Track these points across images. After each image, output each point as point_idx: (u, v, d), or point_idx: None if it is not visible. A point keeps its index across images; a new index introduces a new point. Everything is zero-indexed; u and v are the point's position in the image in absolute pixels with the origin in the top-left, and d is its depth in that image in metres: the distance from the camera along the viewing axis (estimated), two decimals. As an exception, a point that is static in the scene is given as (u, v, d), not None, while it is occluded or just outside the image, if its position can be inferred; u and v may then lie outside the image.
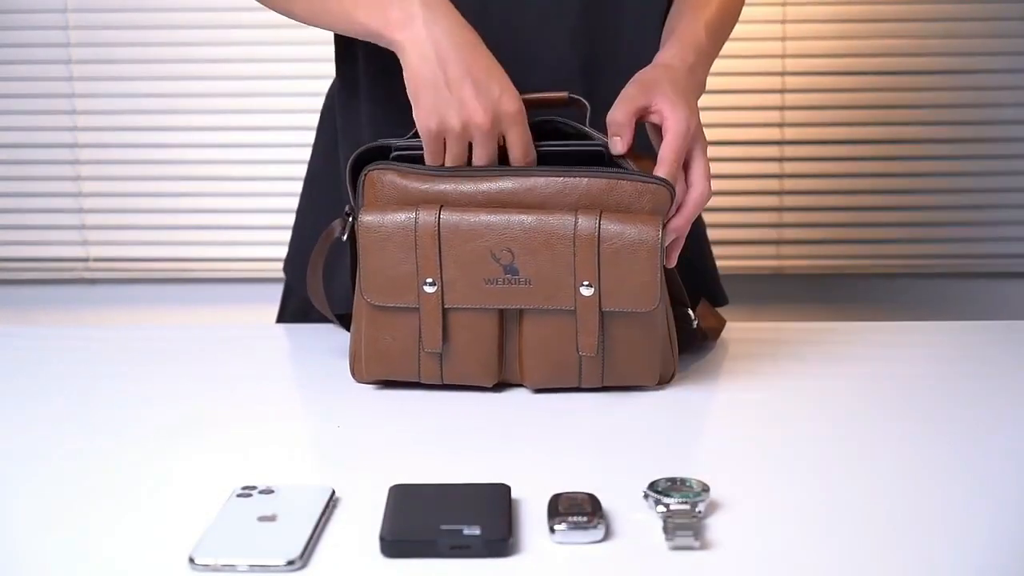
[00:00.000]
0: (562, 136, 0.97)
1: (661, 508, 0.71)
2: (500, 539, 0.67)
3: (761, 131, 2.19)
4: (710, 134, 1.00)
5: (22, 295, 2.30)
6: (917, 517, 0.72)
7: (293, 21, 1.06)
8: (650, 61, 1.03)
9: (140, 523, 0.72)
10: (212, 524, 0.69)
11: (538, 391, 0.96)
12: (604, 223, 0.90)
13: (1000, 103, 2.16)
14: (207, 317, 2.26)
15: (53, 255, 2.28)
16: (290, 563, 0.65)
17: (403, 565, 0.66)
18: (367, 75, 1.11)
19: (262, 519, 0.70)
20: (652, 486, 0.73)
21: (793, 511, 0.73)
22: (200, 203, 2.24)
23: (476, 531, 0.67)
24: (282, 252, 1.32)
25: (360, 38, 0.99)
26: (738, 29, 1.16)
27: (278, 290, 1.34)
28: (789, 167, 2.20)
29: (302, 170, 1.29)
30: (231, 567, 0.65)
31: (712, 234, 1.29)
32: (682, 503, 0.71)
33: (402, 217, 0.91)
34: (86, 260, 2.28)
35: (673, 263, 0.97)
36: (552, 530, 0.68)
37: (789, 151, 2.20)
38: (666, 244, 0.93)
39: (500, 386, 0.97)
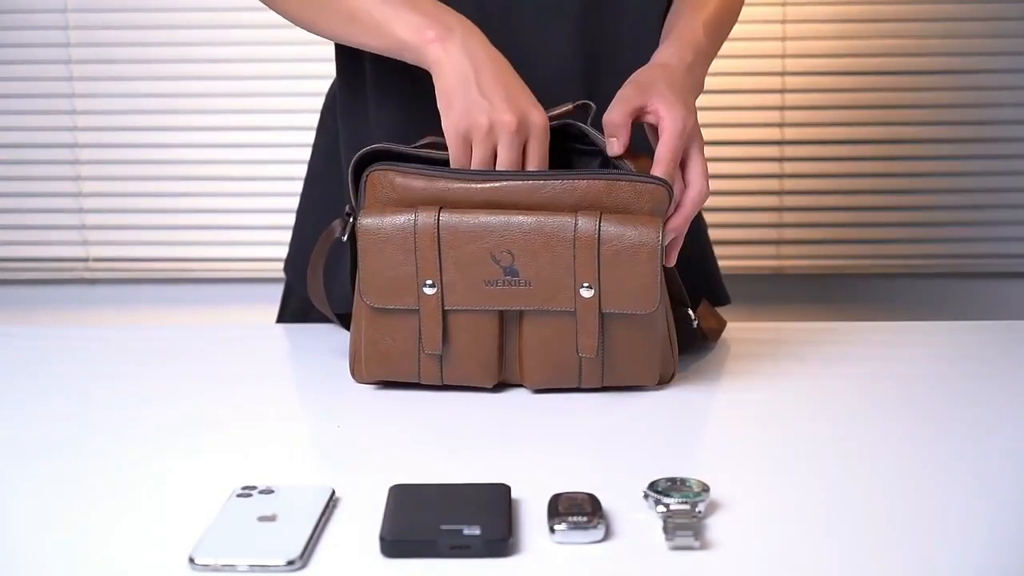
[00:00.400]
0: (564, 136, 0.98)
1: (661, 508, 0.71)
2: (500, 539, 0.67)
3: (761, 131, 2.19)
4: (710, 134, 1.00)
5: (22, 295, 2.30)
6: (917, 517, 0.72)
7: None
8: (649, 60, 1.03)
9: (140, 523, 0.72)
10: (212, 524, 0.69)
11: (538, 391, 0.96)
12: (604, 225, 0.89)
13: (1000, 103, 2.16)
14: (207, 317, 2.26)
15: (53, 255, 2.28)
16: (290, 563, 0.65)
17: (403, 565, 0.66)
18: (373, 77, 1.11)
19: (262, 519, 0.70)
20: (652, 486, 0.73)
21: (793, 511, 0.73)
22: (200, 203, 2.25)
23: (476, 531, 0.67)
24: (282, 252, 1.33)
25: (388, 54, 0.99)
26: (738, 29, 1.16)
27: (278, 290, 1.34)
28: (789, 167, 2.20)
29: (302, 170, 1.29)
30: (231, 567, 0.65)
31: (712, 234, 1.29)
32: (682, 503, 0.71)
33: (401, 219, 0.91)
34: (86, 260, 2.28)
35: (672, 262, 0.97)
36: (552, 530, 0.68)
37: (789, 151, 2.20)
38: (665, 244, 0.93)
39: (500, 386, 0.97)
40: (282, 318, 1.29)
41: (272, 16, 1.11)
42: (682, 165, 0.96)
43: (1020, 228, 2.21)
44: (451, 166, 0.94)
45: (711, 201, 1.01)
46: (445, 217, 0.91)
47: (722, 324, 1.11)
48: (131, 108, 2.22)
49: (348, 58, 1.14)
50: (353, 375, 0.99)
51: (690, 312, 1.02)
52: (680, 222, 0.94)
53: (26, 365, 1.07)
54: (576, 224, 0.90)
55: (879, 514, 0.72)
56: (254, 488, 0.74)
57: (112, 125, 2.23)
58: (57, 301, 2.30)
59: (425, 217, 0.91)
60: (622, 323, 0.93)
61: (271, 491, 0.73)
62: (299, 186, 1.27)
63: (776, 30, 2.16)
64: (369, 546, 0.68)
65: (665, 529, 0.68)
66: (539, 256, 0.90)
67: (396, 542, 0.67)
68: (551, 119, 0.96)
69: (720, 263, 1.28)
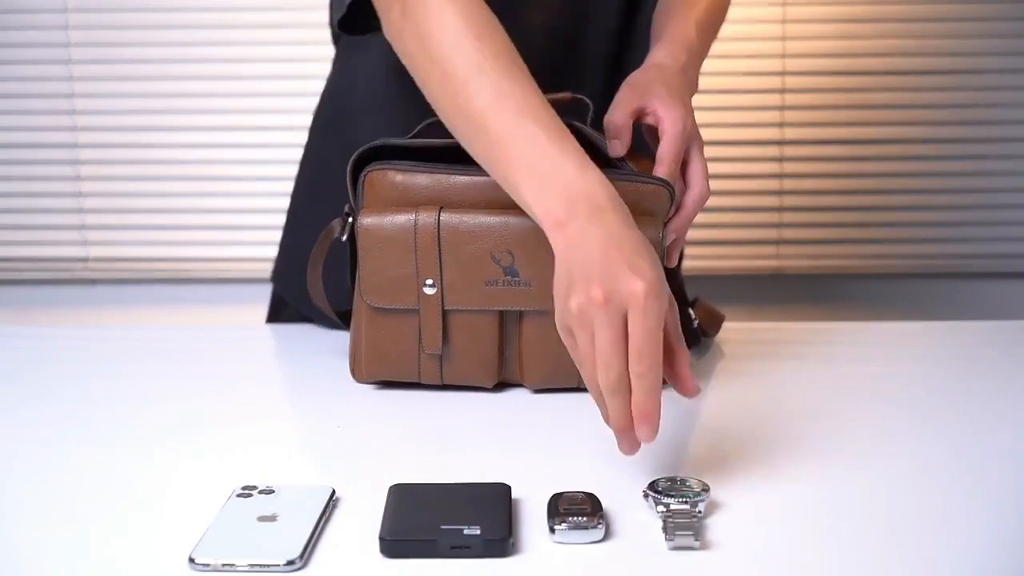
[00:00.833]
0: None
1: (661, 508, 0.71)
2: (500, 539, 0.67)
3: (761, 131, 2.19)
4: (709, 134, 1.00)
5: (22, 295, 2.30)
6: (917, 517, 0.72)
7: (292, 21, 1.06)
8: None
9: (140, 523, 0.72)
10: (212, 524, 0.69)
11: (538, 391, 0.96)
12: None
13: (1000, 103, 2.16)
14: (207, 317, 2.26)
15: (53, 255, 2.28)
16: (290, 563, 0.65)
17: (403, 565, 0.66)
18: (383, 66, 1.11)
19: (262, 519, 0.70)
20: (652, 486, 0.73)
21: (793, 511, 0.73)
22: (200, 203, 2.24)
23: (476, 531, 0.67)
24: (282, 252, 1.32)
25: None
26: (738, 29, 1.16)
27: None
28: (789, 167, 2.20)
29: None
30: (231, 567, 0.65)
31: (712, 234, 1.30)
32: (682, 503, 0.71)
33: (402, 219, 0.91)
34: (86, 260, 2.28)
35: (674, 263, 0.97)
36: (552, 530, 0.68)
37: (789, 151, 2.20)
38: (666, 244, 0.93)
39: (500, 386, 0.97)
40: (272, 321, 1.30)
41: (272, 16, 1.12)
42: (682, 165, 0.96)
43: (1020, 228, 2.20)
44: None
45: (711, 201, 1.01)
46: (445, 217, 0.91)
47: (721, 317, 1.11)
48: (131, 108, 2.22)
49: (351, 52, 1.14)
50: (353, 375, 0.98)
51: (690, 311, 1.03)
52: (681, 223, 0.94)
53: (26, 365, 1.07)
54: None
55: (879, 514, 0.72)
56: (254, 488, 0.74)
57: (112, 125, 2.23)
58: (57, 301, 2.30)
59: (425, 217, 0.91)
60: None
61: (271, 491, 0.73)
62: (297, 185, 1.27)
63: (776, 30, 2.16)
64: (369, 546, 0.68)
65: (665, 529, 0.68)
66: (539, 256, 0.90)
67: (396, 542, 0.67)
68: (550, 102, 0.95)
69: (720, 263, 1.28)
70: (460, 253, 0.91)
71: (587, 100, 0.97)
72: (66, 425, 0.91)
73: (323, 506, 0.72)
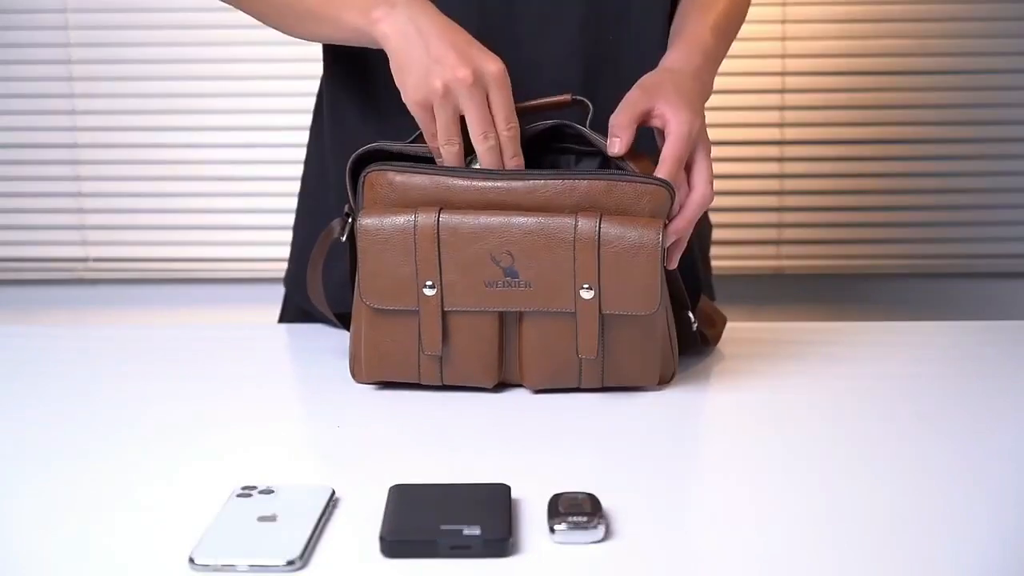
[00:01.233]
0: (563, 138, 0.97)
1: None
2: (500, 539, 0.67)
3: (761, 131, 2.19)
4: (709, 134, 1.00)
5: (22, 295, 2.30)
6: (917, 517, 0.72)
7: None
8: (653, 69, 1.03)
9: (140, 523, 0.72)
10: (212, 524, 0.69)
11: (538, 391, 0.96)
12: (604, 226, 0.89)
13: (1000, 103, 2.17)
14: (207, 317, 2.26)
15: (53, 255, 2.28)
16: (290, 563, 0.65)
17: (403, 565, 0.66)
18: (373, 66, 1.11)
19: (262, 519, 0.70)
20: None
21: (793, 511, 0.73)
22: (200, 203, 2.25)
23: (476, 531, 0.67)
24: (282, 252, 1.32)
25: (348, 43, 1.00)
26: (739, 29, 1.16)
27: (278, 290, 1.34)
28: (789, 167, 2.20)
29: (301, 170, 1.29)
30: (231, 567, 0.65)
31: (712, 234, 1.29)
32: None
33: (401, 220, 0.91)
34: (86, 260, 2.28)
35: (674, 265, 0.97)
36: (552, 530, 0.68)
37: (789, 151, 2.20)
38: (666, 245, 0.93)
39: (500, 386, 0.97)
40: (284, 320, 1.29)
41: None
42: (687, 168, 0.96)
43: (1020, 228, 2.21)
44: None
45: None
46: (445, 218, 0.91)
47: (723, 321, 1.11)
48: (131, 108, 2.22)
49: (332, 57, 1.14)
50: (353, 375, 0.98)
51: (690, 315, 1.02)
52: (682, 224, 0.94)
53: (26, 365, 1.07)
54: (576, 225, 0.90)
55: (879, 514, 0.72)
56: (254, 488, 0.74)
57: (112, 125, 2.23)
58: (57, 301, 2.30)
59: (425, 218, 0.91)
60: (622, 324, 0.92)
61: (271, 491, 0.73)
62: (299, 186, 1.27)
63: (776, 30, 2.16)
64: (369, 546, 0.68)
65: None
66: (539, 257, 0.90)
67: (396, 542, 0.67)
68: (548, 105, 0.96)
69: (720, 263, 1.28)
70: (460, 254, 0.91)
71: (587, 101, 0.97)
72: (66, 425, 0.91)
73: (323, 506, 0.72)
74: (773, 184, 2.21)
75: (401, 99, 0.95)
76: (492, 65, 0.92)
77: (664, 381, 0.97)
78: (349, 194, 0.97)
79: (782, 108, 2.19)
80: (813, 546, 0.68)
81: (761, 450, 0.85)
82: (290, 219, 1.32)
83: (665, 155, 0.94)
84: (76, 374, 1.05)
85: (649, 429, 0.89)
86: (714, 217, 1.16)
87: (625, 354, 0.94)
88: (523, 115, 0.97)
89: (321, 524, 0.70)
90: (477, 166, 0.94)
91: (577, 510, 0.70)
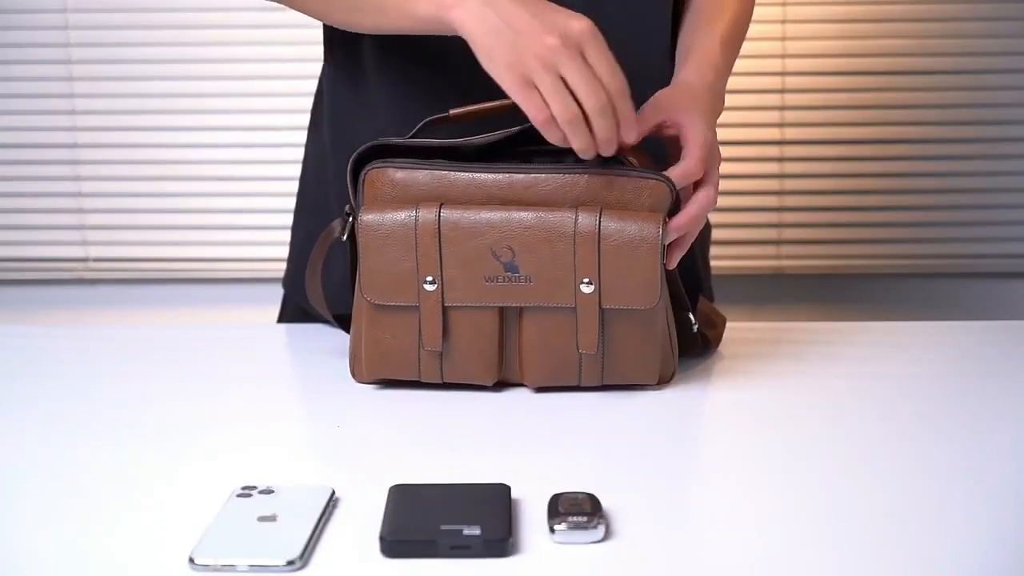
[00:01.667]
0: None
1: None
2: (500, 539, 0.67)
3: (761, 131, 2.19)
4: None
5: (22, 295, 2.30)
6: (917, 517, 0.72)
7: (292, 21, 1.06)
8: (656, 74, 1.04)
9: (140, 523, 0.72)
10: (212, 524, 0.69)
11: (538, 390, 0.96)
12: (604, 220, 0.90)
13: (1000, 103, 2.17)
14: (207, 317, 2.26)
15: (53, 255, 2.28)
16: (290, 563, 0.65)
17: (403, 565, 0.66)
18: (374, 59, 1.11)
19: (262, 519, 0.70)
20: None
21: (793, 511, 0.73)
22: (200, 203, 2.25)
23: (476, 531, 0.67)
24: (282, 252, 1.32)
25: (410, 32, 0.97)
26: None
27: (278, 290, 1.34)
28: (789, 167, 2.20)
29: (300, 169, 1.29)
30: (231, 567, 0.65)
31: (713, 234, 1.29)
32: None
33: (402, 215, 0.91)
34: (86, 260, 2.28)
35: (673, 265, 0.97)
36: (552, 530, 0.68)
37: (789, 151, 2.20)
38: (667, 241, 0.93)
39: (500, 386, 0.97)
40: (283, 320, 1.29)
41: (272, 16, 1.12)
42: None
43: (1020, 228, 2.21)
44: (528, 116, 0.90)
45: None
46: (446, 213, 0.91)
47: (722, 322, 1.11)
48: (131, 108, 2.22)
49: (342, 49, 1.14)
50: (353, 375, 0.99)
51: (691, 316, 1.02)
52: (684, 221, 0.94)
53: (26, 365, 1.07)
54: (577, 220, 0.90)
55: (879, 514, 0.72)
56: (254, 488, 0.74)
57: (112, 125, 2.23)
58: (57, 301, 2.30)
59: (426, 213, 0.91)
60: (622, 320, 0.93)
61: (271, 491, 0.73)
62: (297, 186, 1.27)
63: (776, 30, 2.16)
64: (369, 546, 0.68)
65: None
66: (539, 252, 0.90)
67: (396, 542, 0.67)
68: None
69: (720, 263, 1.28)
70: (460, 249, 0.91)
71: None
72: (66, 425, 0.91)
73: (323, 506, 0.72)
74: (773, 184, 2.21)
75: (388, 92, 0.94)
76: (577, 23, 0.87)
77: (664, 381, 0.98)
78: (350, 193, 0.97)
79: (782, 108, 2.19)
80: (813, 546, 0.68)
81: (761, 450, 0.85)
82: (289, 219, 1.32)
83: (687, 155, 0.94)
84: (76, 374, 1.05)
85: (649, 429, 0.89)
86: (714, 217, 1.16)
87: (625, 351, 0.94)
88: (517, 113, 0.97)
89: (321, 524, 0.70)
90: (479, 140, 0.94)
91: (577, 510, 0.70)
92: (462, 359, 0.94)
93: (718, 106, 1.03)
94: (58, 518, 0.73)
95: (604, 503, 0.72)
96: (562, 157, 0.97)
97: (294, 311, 1.26)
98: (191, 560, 0.65)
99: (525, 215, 0.90)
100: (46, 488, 0.78)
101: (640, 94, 1.02)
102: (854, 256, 2.22)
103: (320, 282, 1.05)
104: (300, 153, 1.28)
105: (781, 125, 2.19)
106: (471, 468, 0.80)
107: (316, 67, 1.20)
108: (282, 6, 1.08)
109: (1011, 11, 2.14)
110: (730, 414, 0.94)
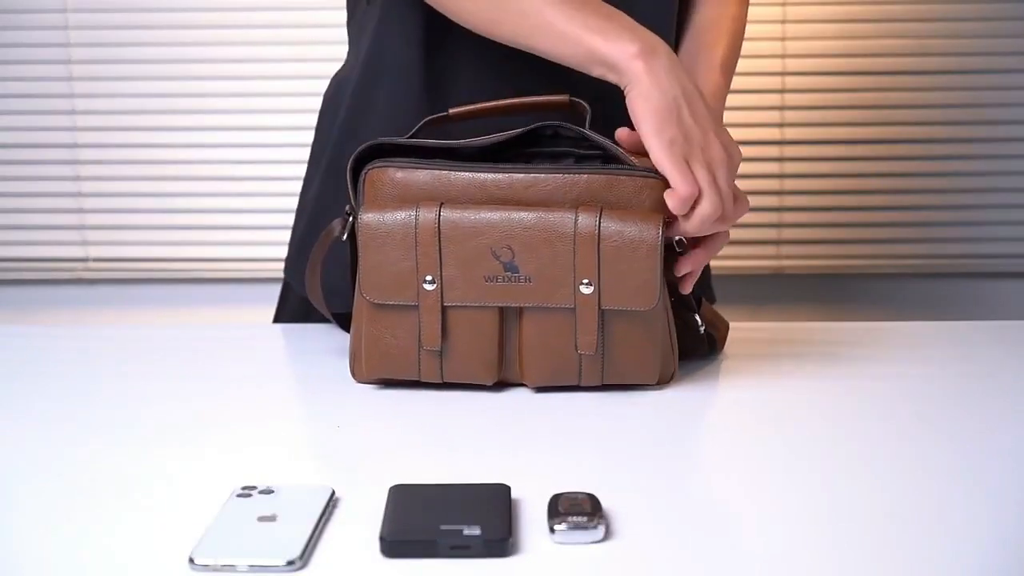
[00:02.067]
0: (560, 141, 0.97)
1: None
2: (500, 539, 0.67)
3: (761, 131, 2.19)
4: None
5: (22, 295, 2.30)
6: (917, 517, 0.72)
7: (292, 21, 1.06)
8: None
9: (140, 523, 0.72)
10: (212, 524, 0.69)
11: (539, 390, 0.96)
12: (604, 221, 0.90)
13: (1000, 103, 2.17)
14: (207, 317, 2.26)
15: (53, 255, 2.28)
16: (290, 563, 0.65)
17: (403, 565, 0.66)
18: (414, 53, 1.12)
19: (262, 519, 0.70)
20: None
21: (793, 511, 0.73)
22: (200, 203, 2.25)
23: (476, 531, 0.67)
24: (281, 252, 1.32)
25: (578, 67, 0.97)
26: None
27: (278, 290, 1.34)
28: (789, 167, 2.21)
29: (302, 170, 1.29)
30: (231, 567, 0.65)
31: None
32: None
33: (402, 215, 0.92)
34: (86, 260, 2.28)
35: (687, 291, 0.98)
36: (552, 530, 0.68)
37: (789, 151, 2.20)
38: (669, 239, 0.93)
39: (500, 386, 0.97)
40: (279, 318, 1.29)
41: (272, 16, 1.12)
42: None
43: (1020, 228, 2.21)
44: (675, 182, 0.91)
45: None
46: (446, 213, 0.91)
47: (725, 327, 1.11)
48: (131, 108, 2.22)
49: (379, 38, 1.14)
50: (353, 375, 0.99)
51: (697, 318, 1.02)
52: (687, 228, 0.93)
53: (26, 365, 1.07)
54: (576, 220, 0.90)
55: (879, 514, 0.72)
56: (254, 488, 0.74)
57: (112, 125, 2.23)
58: (57, 301, 2.30)
59: (426, 212, 0.91)
60: (622, 320, 0.93)
61: (271, 491, 0.73)
62: (299, 186, 1.27)
63: (776, 30, 2.16)
64: (369, 546, 0.68)
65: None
66: (539, 252, 0.90)
67: (396, 542, 0.67)
68: (543, 105, 0.98)
69: (720, 263, 1.28)
70: (460, 249, 0.91)
71: (584, 104, 0.97)
72: (66, 425, 0.91)
73: (323, 506, 0.72)
74: (773, 184, 2.21)
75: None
76: (737, 153, 0.97)
77: (664, 381, 0.98)
78: (350, 192, 0.97)
79: (782, 108, 2.19)
80: (813, 546, 0.68)
81: (761, 450, 0.85)
82: (290, 219, 1.32)
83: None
84: (76, 374, 1.05)
85: (649, 429, 0.89)
86: (714, 217, 1.16)
87: (624, 352, 0.94)
88: (516, 114, 0.97)
89: (321, 524, 0.70)
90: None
91: (577, 510, 0.70)
92: (461, 359, 0.94)
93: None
94: (58, 518, 0.73)
95: (604, 503, 0.72)
96: (562, 158, 0.98)
97: (293, 310, 1.26)
98: (191, 560, 0.65)
99: (525, 215, 0.90)
100: (46, 488, 0.78)
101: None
102: (854, 256, 2.22)
103: (320, 281, 1.05)
104: (299, 153, 1.28)
105: (781, 125, 2.19)
106: (471, 468, 0.80)
107: (316, 67, 1.20)
108: (304, 5, 1.08)
109: (1011, 11, 2.14)
110: (730, 414, 0.94)
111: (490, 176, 0.93)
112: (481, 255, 0.91)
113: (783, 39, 2.16)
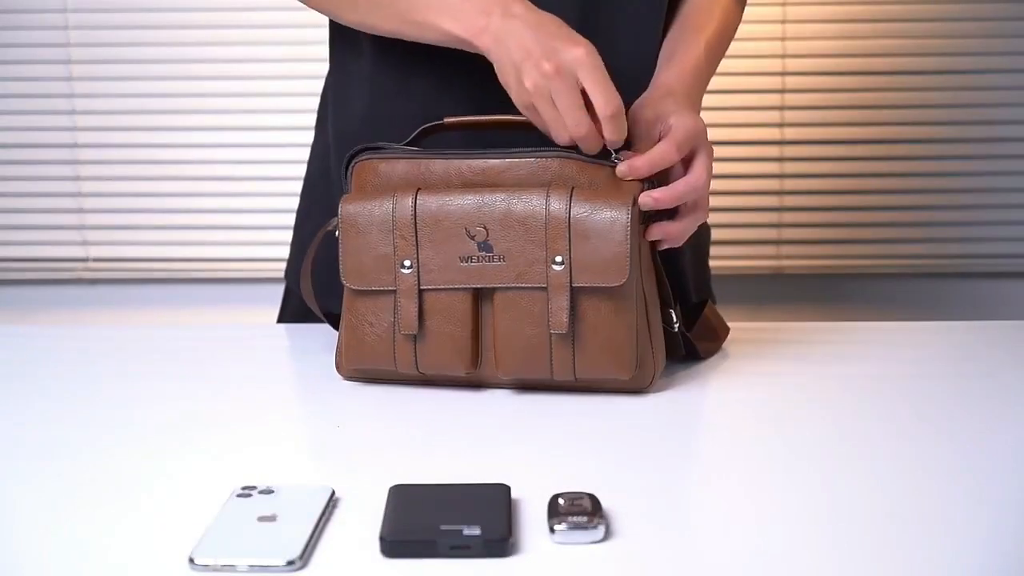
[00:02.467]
0: (547, 142, 0.97)
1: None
2: (500, 539, 0.67)
3: (761, 131, 2.19)
4: (709, 134, 1.00)
5: (22, 295, 2.30)
6: (917, 517, 0.72)
7: (292, 21, 1.06)
8: (648, 76, 1.04)
9: (140, 523, 0.72)
10: (212, 524, 0.69)
11: (538, 391, 0.96)
12: (575, 199, 0.91)
13: (1000, 103, 2.16)
14: (207, 317, 2.26)
15: (53, 255, 2.28)
16: (290, 563, 0.65)
17: (403, 565, 0.66)
18: (368, 62, 1.12)
19: (262, 519, 0.70)
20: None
21: (793, 511, 0.73)
22: (200, 203, 2.25)
23: (476, 531, 0.67)
24: (282, 252, 1.32)
25: (446, 45, 1.00)
26: (738, 29, 1.16)
27: (278, 290, 1.34)
28: (789, 167, 2.20)
29: (302, 170, 1.29)
30: (231, 567, 0.65)
31: (712, 234, 1.29)
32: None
33: (380, 202, 0.94)
34: (86, 260, 2.28)
35: (652, 237, 0.96)
36: (552, 530, 0.68)
37: (789, 151, 2.20)
38: (641, 208, 0.93)
39: (500, 386, 0.97)
40: (282, 319, 1.29)
41: (272, 16, 1.12)
42: (687, 159, 0.96)
43: (1020, 228, 2.21)
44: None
45: (711, 201, 1.01)
46: (423, 199, 0.94)
47: (725, 333, 1.10)
48: (131, 108, 2.22)
49: (344, 41, 1.14)
50: (338, 370, 1.00)
51: (672, 313, 1.01)
52: (663, 196, 0.94)
53: (26, 365, 1.07)
54: (548, 199, 0.92)
55: (879, 514, 0.72)
56: (254, 488, 0.74)
57: (112, 125, 2.23)
58: (57, 301, 2.30)
59: (403, 199, 0.94)
60: (592, 303, 0.92)
61: (271, 491, 0.73)
62: (299, 186, 1.27)
63: (776, 30, 2.16)
64: (369, 546, 0.68)
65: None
66: (513, 231, 0.92)
67: (396, 542, 0.67)
68: (521, 123, 0.97)
69: (720, 263, 1.28)
70: (436, 232, 0.93)
71: None
72: (66, 425, 0.91)
73: (323, 506, 0.72)
74: (773, 184, 2.21)
75: (385, 90, 0.94)
76: (573, 50, 0.91)
77: (643, 384, 0.96)
78: (343, 188, 0.99)
79: (782, 108, 2.19)
80: (813, 546, 0.68)
81: (761, 450, 0.85)
82: (290, 219, 1.32)
83: (672, 137, 0.94)
84: (76, 374, 1.05)
85: (649, 429, 0.89)
86: (714, 217, 1.15)
87: (596, 339, 0.92)
88: (511, 128, 0.98)
89: (321, 524, 0.70)
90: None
91: (577, 510, 0.70)
92: (436, 346, 0.95)
93: (696, 110, 1.04)
94: (58, 518, 0.73)
95: (604, 503, 0.72)
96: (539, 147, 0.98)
97: (294, 311, 1.26)
98: (191, 560, 0.65)
99: (499, 196, 0.93)
100: (46, 488, 0.78)
101: (636, 97, 1.03)
102: (854, 256, 2.22)
103: (312, 280, 1.06)
104: (300, 153, 1.28)
105: (781, 125, 2.19)
106: (471, 468, 0.80)
107: (316, 67, 1.20)
108: (303, 6, 1.09)
109: (1011, 11, 2.13)
110: (730, 414, 0.94)
111: (465, 162, 0.96)
112: (456, 236, 0.93)
113: (783, 39, 2.16)
